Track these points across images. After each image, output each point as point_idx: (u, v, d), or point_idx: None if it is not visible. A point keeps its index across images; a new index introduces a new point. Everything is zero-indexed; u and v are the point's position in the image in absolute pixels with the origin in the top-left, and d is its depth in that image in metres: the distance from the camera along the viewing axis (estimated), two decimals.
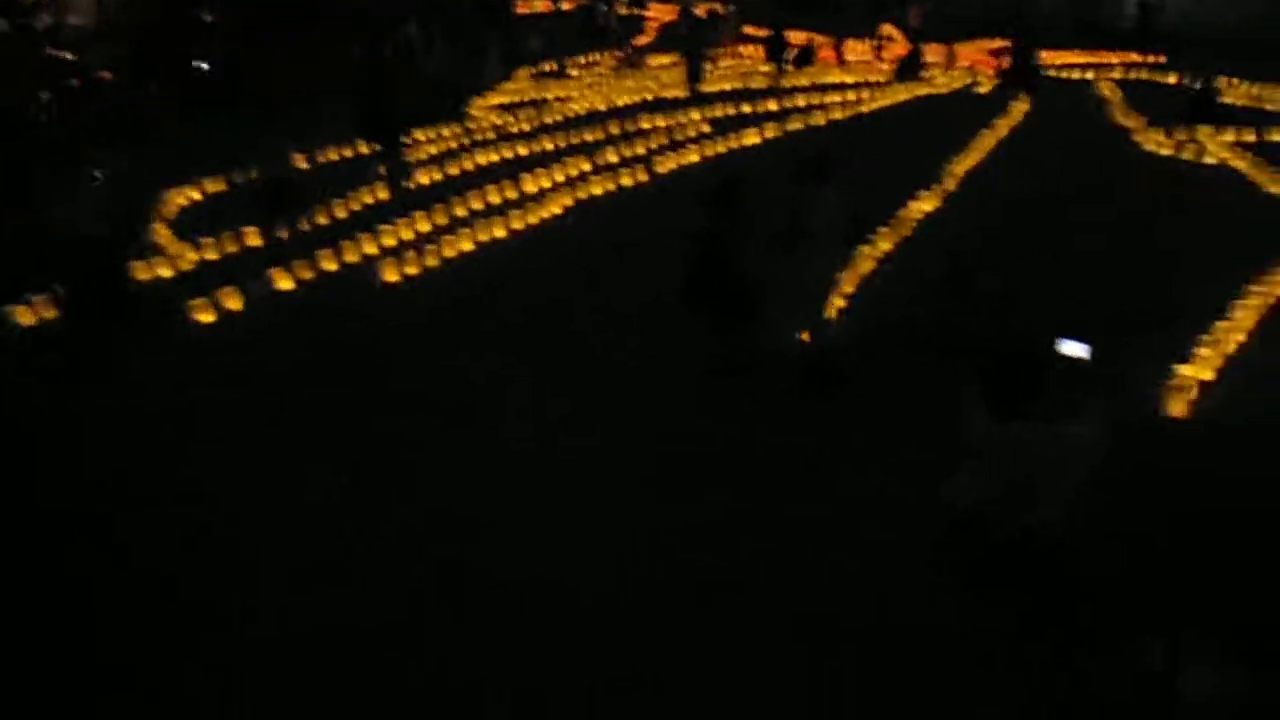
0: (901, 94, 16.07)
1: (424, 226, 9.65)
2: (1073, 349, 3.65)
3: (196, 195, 11.17)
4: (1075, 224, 9.12)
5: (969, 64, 21.22)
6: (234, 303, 7.69)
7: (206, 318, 7.49)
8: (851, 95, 15.84)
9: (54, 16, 25.86)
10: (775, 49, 17.38)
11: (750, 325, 5.93)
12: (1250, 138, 11.76)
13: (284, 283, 8.18)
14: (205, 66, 18.75)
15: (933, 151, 11.32)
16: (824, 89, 16.68)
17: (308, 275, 8.39)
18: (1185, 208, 9.51)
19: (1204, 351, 6.15)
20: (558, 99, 17.35)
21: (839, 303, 7.16)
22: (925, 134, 12.66)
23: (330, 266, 8.63)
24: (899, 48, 21.58)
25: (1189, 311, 6.84)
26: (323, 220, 10.01)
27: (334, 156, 12.24)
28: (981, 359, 3.80)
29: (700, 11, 27.42)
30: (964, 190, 10.38)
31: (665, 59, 21.28)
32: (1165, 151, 11.47)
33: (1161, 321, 6.81)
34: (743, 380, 6.08)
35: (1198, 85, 12.77)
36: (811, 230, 5.70)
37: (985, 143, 12.09)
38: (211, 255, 9.07)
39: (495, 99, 17.52)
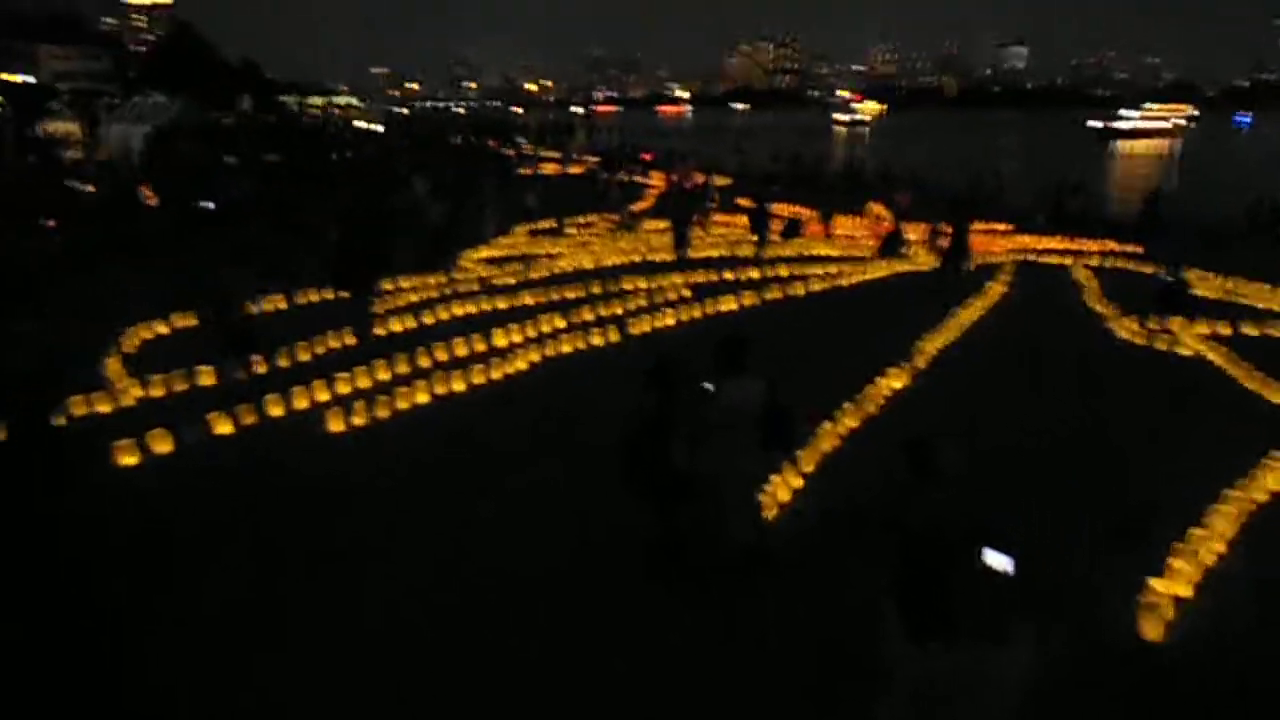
0: (882, 269, 16.35)
1: (384, 376, 9.51)
2: (997, 561, 3.29)
3: (164, 329, 11.15)
4: (1045, 411, 8.89)
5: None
6: (162, 446, 7.40)
7: (129, 460, 7.17)
8: (833, 268, 16.10)
9: (83, 152, 27.14)
10: (759, 220, 17.84)
11: (682, 512, 5.55)
12: (1225, 330, 11.74)
13: (223, 427, 7.91)
14: (211, 205, 19.38)
15: (907, 328, 11.31)
16: (806, 261, 16.99)
17: (250, 420, 8.14)
18: (1160, 399, 9.32)
19: (1179, 563, 5.74)
20: (547, 255, 17.74)
21: (783, 491, 6.84)
22: (901, 310, 12.73)
23: (276, 412, 8.39)
24: (886, 225, 22.21)
25: (1162, 515, 6.46)
26: (284, 363, 9.91)
27: (309, 299, 12.33)
28: (901, 569, 3.44)
29: (697, 181, 28.70)
30: (934, 368, 10.25)
31: (659, 224, 21.94)
32: (1139, 341, 11.43)
33: (1132, 526, 6.45)
34: (670, 568, 5.67)
35: (1168, 276, 12.93)
36: (719, 420, 5.34)
37: (960, 321, 12.10)
38: (158, 392, 8.87)
39: (487, 252, 17.91)
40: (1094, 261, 17.57)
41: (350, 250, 10.49)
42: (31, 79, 43.18)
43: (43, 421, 7.19)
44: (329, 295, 11.92)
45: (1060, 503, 6.90)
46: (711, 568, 5.68)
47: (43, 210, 17.62)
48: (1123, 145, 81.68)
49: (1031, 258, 18.69)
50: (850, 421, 8.43)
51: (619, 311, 12.55)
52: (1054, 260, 18.04)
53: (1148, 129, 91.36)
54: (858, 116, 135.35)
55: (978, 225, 24.76)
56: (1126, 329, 11.77)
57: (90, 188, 22.99)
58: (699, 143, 61.51)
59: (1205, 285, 14.62)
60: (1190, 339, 11.20)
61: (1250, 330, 11.73)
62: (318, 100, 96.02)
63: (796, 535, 6.33)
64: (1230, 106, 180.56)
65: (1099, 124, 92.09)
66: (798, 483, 7.08)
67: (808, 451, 7.47)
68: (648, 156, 38.72)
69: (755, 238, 17.86)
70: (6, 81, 25.69)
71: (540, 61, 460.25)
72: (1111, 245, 20.52)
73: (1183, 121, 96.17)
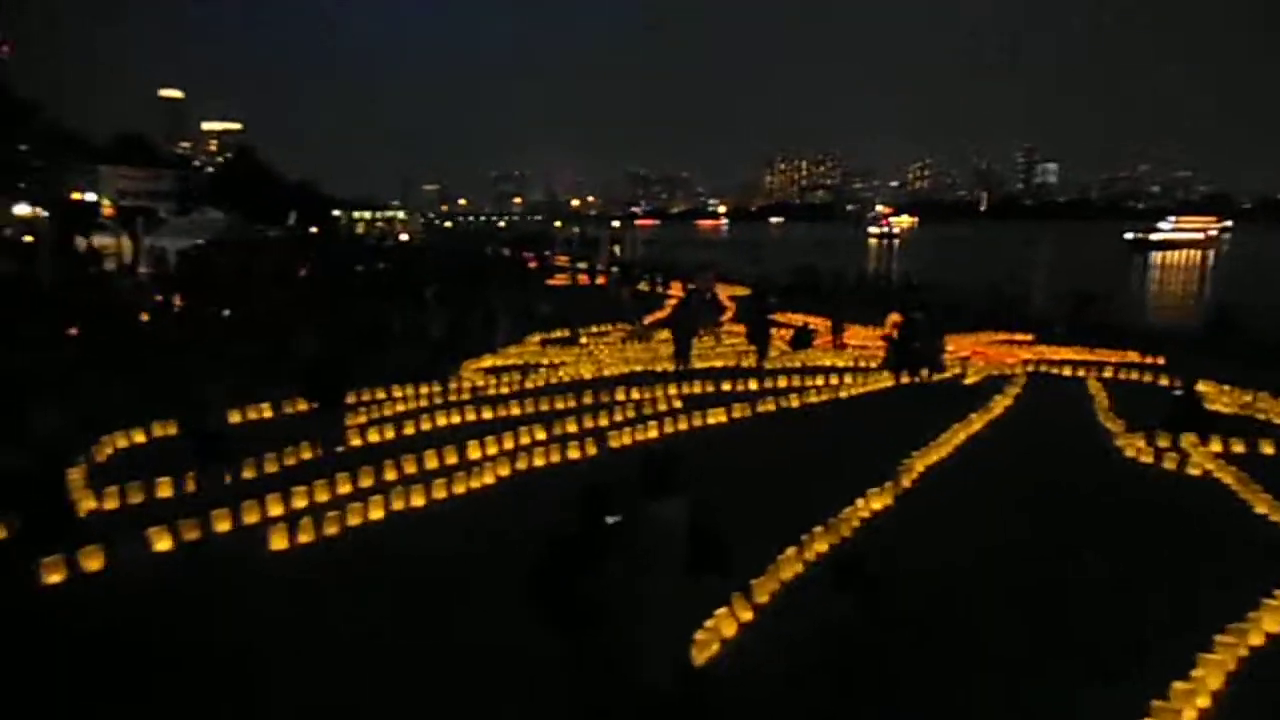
0: (886, 380, 15.93)
1: (344, 489, 9.28)
2: None
3: (140, 438, 11.11)
4: (1034, 536, 8.31)
5: (967, 354, 21.37)
6: (93, 563, 7.16)
7: (54, 578, 6.93)
8: (835, 379, 15.75)
9: (118, 264, 28.20)
10: (759, 331, 17.67)
11: (604, 653, 5.09)
12: (1239, 448, 11.07)
13: (162, 543, 7.68)
14: (227, 313, 19.83)
15: (900, 443, 10.83)
16: (809, 371, 16.68)
17: (192, 535, 7.90)
18: (1162, 525, 8.68)
19: (1163, 705, 5.12)
20: (549, 365, 17.68)
21: (728, 625, 6.35)
22: (897, 424, 12.26)
23: (223, 527, 8.16)
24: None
25: (1149, 659, 5.84)
26: (250, 474, 9.74)
27: (286, 411, 12.23)
28: None
29: (715, 291, 28.87)
30: (921, 488, 9.73)
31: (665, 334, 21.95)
32: (1145, 459, 10.81)
33: (1114, 670, 5.83)
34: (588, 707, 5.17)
35: (1178, 390, 12.37)
36: (638, 547, 4.92)
37: (956, 437, 11.60)
38: (111, 504, 8.72)
39: (490, 361, 17.91)
40: (1109, 374, 17.00)
41: (321, 361, 10.43)
42: (92, 196, 45.79)
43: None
44: (304, 406, 11.85)
45: (1039, 639, 6.31)
46: (633, 710, 5.17)
47: (70, 317, 18.20)
48: (1157, 256, 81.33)
49: (1045, 368, 18.15)
50: (820, 546, 7.93)
51: (604, 423, 12.29)
52: (1069, 372, 17.48)
53: (1181, 240, 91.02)
54: (890, 229, 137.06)
55: (993, 336, 24.59)
56: (1133, 446, 11.16)
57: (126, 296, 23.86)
58: (729, 254, 62.48)
59: (1223, 399, 13.99)
60: (1201, 457, 10.56)
61: (1268, 449, 11.05)
62: (366, 214, 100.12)
63: (740, 676, 5.81)
64: (1267, 217, 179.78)
65: (1132, 235, 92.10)
66: (747, 615, 6.58)
67: (763, 580, 6.97)
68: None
69: (754, 348, 17.64)
70: (56, 199, 27.39)
71: (585, 176, 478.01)
72: (1132, 356, 19.93)
73: (1214, 233, 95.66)
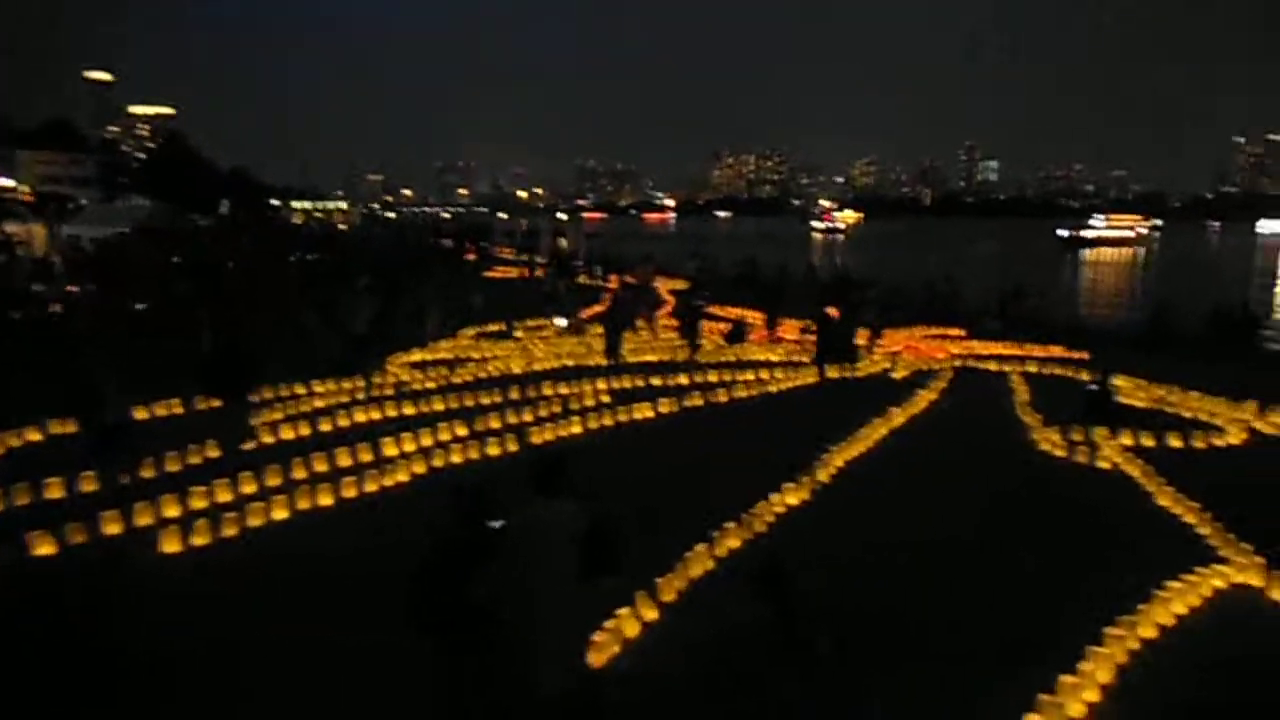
0: (815, 375, 15.99)
1: (249, 489, 8.94)
2: None
3: (36, 436, 10.59)
4: (944, 528, 8.37)
5: (899, 349, 21.64)
6: None
7: None
8: (765, 374, 15.77)
9: (17, 252, 26.83)
10: (690, 325, 17.63)
11: (479, 654, 4.93)
12: (1149, 442, 11.36)
13: (44, 548, 7.29)
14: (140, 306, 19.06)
15: (821, 438, 10.85)
16: (741, 366, 16.69)
17: (79, 539, 7.52)
18: (1068, 517, 8.84)
19: (1050, 699, 5.16)
20: (478, 359, 17.39)
21: (631, 625, 6.24)
22: (820, 419, 12.27)
23: (113, 530, 7.78)
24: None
25: (1039, 651, 5.89)
26: (149, 473, 9.34)
27: (193, 407, 11.76)
28: None
29: (654, 285, 28.77)
30: (838, 483, 9.76)
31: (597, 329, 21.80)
32: (1059, 453, 11.01)
33: (1005, 662, 5.87)
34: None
35: (1093, 385, 12.64)
36: (524, 550, 4.78)
37: (876, 432, 11.68)
38: None
39: (419, 355, 17.55)
40: (1033, 368, 17.34)
41: (221, 357, 10.03)
42: (9, 182, 43.76)
43: None
44: (217, 403, 11.41)
45: (932, 624, 6.34)
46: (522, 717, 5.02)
47: None
48: (1088, 254, 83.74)
49: (972, 363, 18.44)
50: (732, 542, 7.87)
51: (528, 419, 12.10)
52: (995, 366, 17.78)
53: (1113, 238, 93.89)
54: (835, 224, 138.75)
55: (927, 330, 24.98)
56: (1048, 440, 11.37)
57: (37, 286, 22.79)
58: (677, 247, 62.45)
59: (1138, 393, 14.36)
60: (1111, 451, 10.80)
61: (1175, 442, 11.35)
62: (305, 204, 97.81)
63: (641, 679, 5.70)
64: (1197, 216, 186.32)
65: (1066, 233, 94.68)
66: (651, 615, 6.48)
67: (670, 578, 6.88)
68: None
69: (685, 342, 17.59)
70: None
71: (533, 170, 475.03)
72: (1058, 351, 20.39)
73: (1145, 230, 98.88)
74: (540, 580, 4.81)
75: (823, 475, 9.78)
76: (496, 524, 4.91)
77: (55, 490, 8.65)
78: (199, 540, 7.67)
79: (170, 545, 7.51)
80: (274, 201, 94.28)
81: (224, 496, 8.68)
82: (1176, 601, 6.66)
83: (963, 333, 24.79)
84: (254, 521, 8.12)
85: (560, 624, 4.98)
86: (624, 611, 6.26)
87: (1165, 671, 5.86)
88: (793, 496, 9.07)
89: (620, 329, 16.97)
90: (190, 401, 11.67)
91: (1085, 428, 11.54)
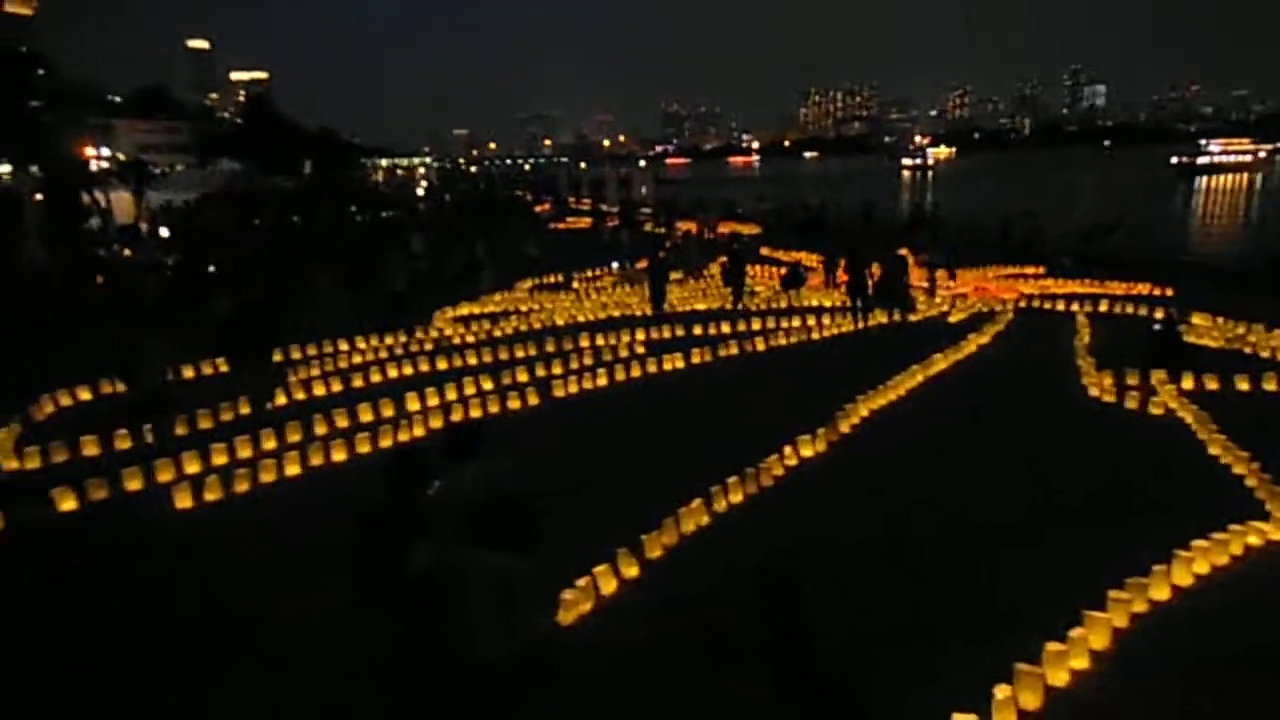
0: (867, 322, 15.39)
1: (269, 444, 9.20)
2: None
3: (87, 395, 11.14)
4: (966, 486, 7.93)
5: (966, 290, 20.68)
6: None
7: None
8: (811, 321, 15.27)
9: (103, 220, 28.14)
10: (734, 272, 17.17)
11: (424, 621, 4.91)
12: (1214, 385, 10.50)
13: (66, 503, 7.67)
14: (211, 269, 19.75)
15: (854, 386, 10.43)
16: (788, 313, 16.21)
17: (100, 495, 7.88)
18: (1105, 470, 8.25)
19: (1027, 669, 4.81)
20: (525, 311, 17.43)
21: (608, 582, 6.13)
22: (858, 366, 11.80)
23: (134, 486, 8.13)
24: (916, 273, 21.10)
25: (1031, 618, 5.48)
26: (182, 431, 9.72)
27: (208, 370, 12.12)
28: None
29: (721, 232, 28.19)
30: (862, 434, 9.38)
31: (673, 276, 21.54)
32: (1109, 398, 10.29)
33: (1006, 620, 5.52)
34: (417, 686, 5.02)
35: (1158, 325, 11.74)
36: (446, 516, 4.70)
37: (911, 379, 11.15)
38: (32, 464, 8.75)
39: (465, 309, 17.73)
40: (1104, 307, 16.26)
41: (241, 322, 10.27)
42: (106, 152, 45.99)
43: None
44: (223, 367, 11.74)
45: (919, 605, 6.01)
46: (465, 686, 5.00)
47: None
48: (1203, 181, 77.96)
49: (1037, 303, 17.44)
50: (734, 497, 7.66)
51: (557, 372, 12.05)
52: (1064, 307, 16.75)
53: (1229, 163, 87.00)
54: (924, 161, 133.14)
55: (1002, 269, 23.73)
56: (1099, 385, 10.63)
57: (127, 252, 23.99)
58: (754, 191, 61.02)
59: (1213, 333, 13.29)
60: (1166, 396, 10.02)
61: (1243, 385, 10.45)
62: (384, 162, 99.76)
63: (614, 639, 5.60)
64: None
65: (1178, 160, 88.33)
66: (632, 572, 6.37)
67: (655, 536, 6.73)
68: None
69: (730, 290, 17.19)
70: (54, 156, 27.58)
71: (617, 117, 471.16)
72: (1143, 289, 19.10)
73: (1264, 154, 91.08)
74: (467, 549, 4.76)
75: (844, 426, 9.42)
76: (434, 488, 4.86)
77: (91, 448, 9.09)
78: (211, 496, 7.93)
79: (183, 501, 7.78)
80: (365, 161, 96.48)
81: (245, 453, 8.96)
82: (1200, 560, 6.13)
83: (1040, 271, 23.52)
84: (266, 477, 8.36)
85: (495, 592, 4.91)
86: (601, 569, 6.16)
87: (1167, 638, 5.41)
88: (808, 449, 8.77)
89: (665, 278, 16.67)
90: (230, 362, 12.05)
91: (1144, 371, 10.75)
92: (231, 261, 19.15)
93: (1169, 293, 18.52)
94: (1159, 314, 14.91)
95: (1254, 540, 6.48)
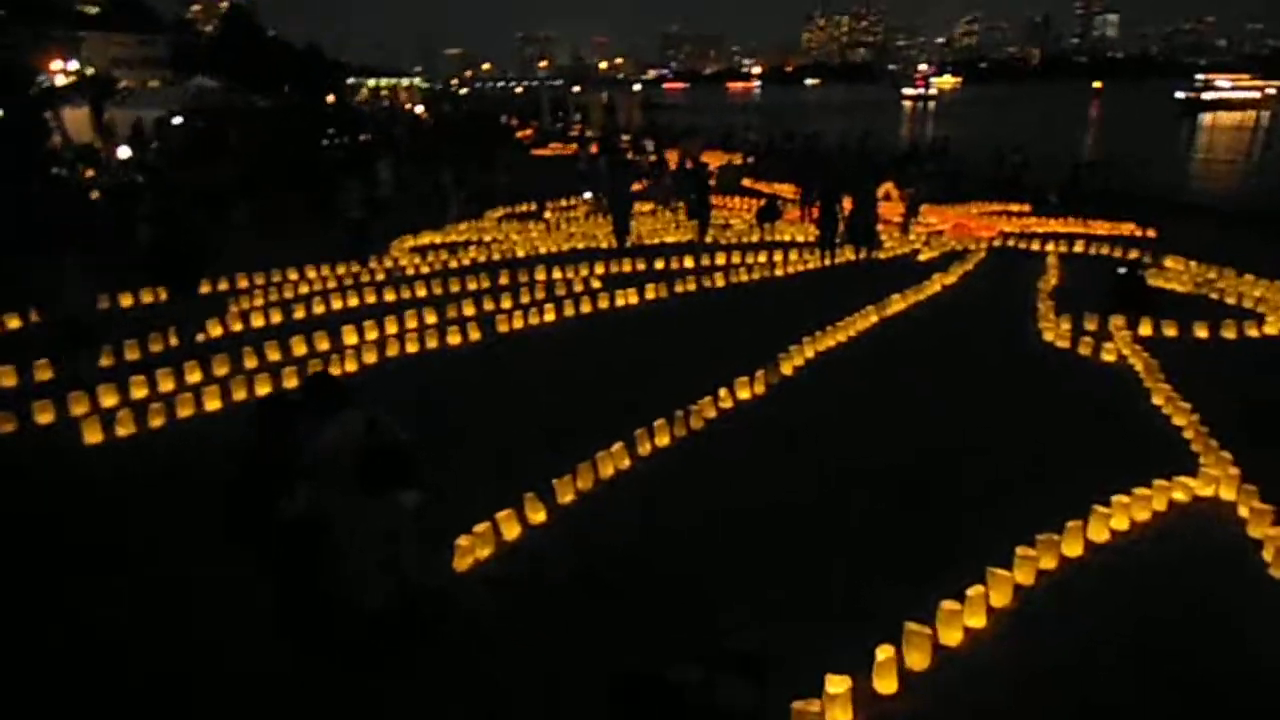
0: (833, 259, 15.03)
1: (194, 378, 8.93)
2: None
3: (16, 324, 10.83)
4: (896, 430, 7.74)
5: (944, 227, 20.26)
6: None
7: None
8: (779, 256, 14.90)
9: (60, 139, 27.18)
10: (698, 207, 16.70)
11: (294, 567, 4.73)
12: (1171, 331, 10.24)
13: None
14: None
15: (804, 326, 10.16)
16: (755, 248, 15.82)
17: (7, 428, 7.64)
18: (1042, 417, 8.05)
19: (916, 628, 4.65)
20: (487, 242, 17.01)
21: (511, 527, 5.94)
22: (815, 305, 11.51)
23: (45, 420, 7.89)
24: (891, 208, 20.66)
25: (934, 576, 5.30)
26: (108, 362, 9.44)
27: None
28: None
29: (702, 160, 27.50)
30: (804, 376, 9.15)
31: (642, 206, 21.04)
32: (1061, 344, 10.04)
33: (910, 579, 5.35)
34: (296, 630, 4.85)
35: (1122, 269, 11.42)
36: (316, 463, 4.50)
37: (865, 320, 10.87)
38: None
39: (426, 239, 17.30)
40: (1080, 248, 15.91)
41: (165, 247, 9.88)
42: (74, 65, 44.41)
43: None
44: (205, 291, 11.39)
45: (843, 548, 5.84)
46: (346, 631, 4.85)
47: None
48: (1207, 118, 76.43)
49: (1019, 243, 17.08)
50: (661, 440, 7.44)
51: (506, 306, 11.73)
52: (1038, 246, 16.40)
53: (1236, 100, 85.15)
54: (924, 91, 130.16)
55: (987, 206, 23.26)
56: (1054, 330, 10.37)
57: (89, 172, 23.28)
58: (751, 120, 59.60)
59: (1182, 277, 12.99)
60: (1121, 342, 9.77)
61: (1201, 332, 10.19)
62: (375, 82, 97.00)
63: (508, 588, 5.43)
64: None
65: (1183, 95, 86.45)
66: (539, 517, 6.18)
67: (567, 480, 6.53)
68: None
69: (694, 223, 16.75)
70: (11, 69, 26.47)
71: (616, 38, 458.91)
72: (1128, 229, 18.74)
73: (1273, 92, 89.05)
74: (336, 494, 4.57)
75: (787, 368, 9.17)
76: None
77: (7, 378, 8.82)
78: (123, 431, 7.69)
79: (93, 436, 7.55)
80: (351, 80, 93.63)
81: (167, 386, 8.70)
82: (1119, 516, 5.95)
83: (1026, 209, 23.04)
84: (184, 412, 8.11)
85: (370, 538, 4.73)
86: (504, 514, 5.97)
87: (1074, 598, 5.26)
88: (745, 391, 8.53)
89: (627, 209, 16.20)
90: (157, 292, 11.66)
91: (1103, 316, 10.48)
92: (194, 184, 18.53)
93: (1151, 234, 18.16)
94: (1134, 256, 14.59)
95: (1179, 496, 6.30)
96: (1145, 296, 11.03)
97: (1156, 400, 8.17)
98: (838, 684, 4.22)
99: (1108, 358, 9.48)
